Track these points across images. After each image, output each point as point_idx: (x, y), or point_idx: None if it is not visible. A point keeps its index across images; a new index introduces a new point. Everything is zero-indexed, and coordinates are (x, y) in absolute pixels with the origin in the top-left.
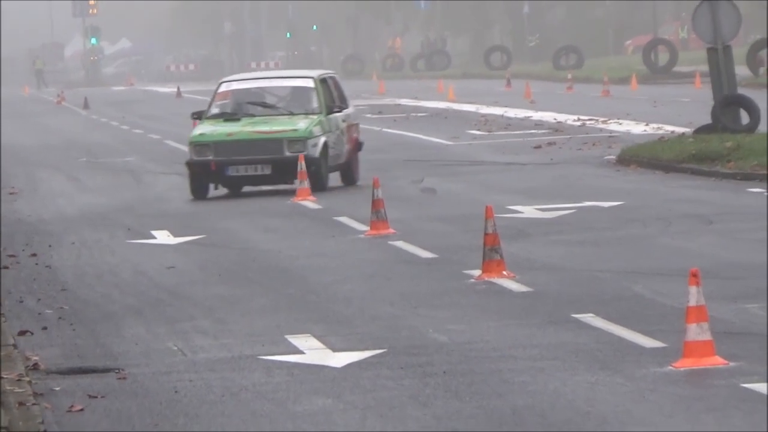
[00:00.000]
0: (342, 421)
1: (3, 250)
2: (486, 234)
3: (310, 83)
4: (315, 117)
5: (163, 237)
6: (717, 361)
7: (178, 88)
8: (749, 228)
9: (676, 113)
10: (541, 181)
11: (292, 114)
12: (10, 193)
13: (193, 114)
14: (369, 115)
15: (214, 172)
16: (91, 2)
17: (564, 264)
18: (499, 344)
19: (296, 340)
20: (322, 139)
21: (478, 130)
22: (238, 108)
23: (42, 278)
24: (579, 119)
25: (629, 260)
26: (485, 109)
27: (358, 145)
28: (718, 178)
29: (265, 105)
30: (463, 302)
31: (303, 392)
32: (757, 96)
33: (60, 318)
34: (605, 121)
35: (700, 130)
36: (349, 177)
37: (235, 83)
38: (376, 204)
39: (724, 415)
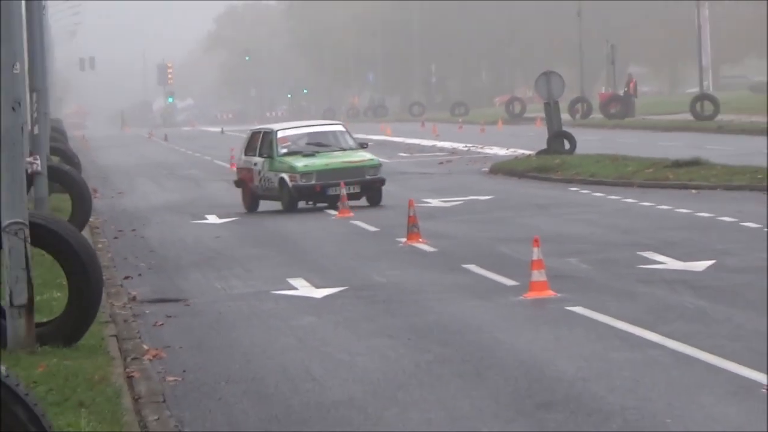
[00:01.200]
0: (321, 331)
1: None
2: (409, 216)
3: (342, 128)
4: (364, 151)
5: (212, 218)
6: (550, 293)
7: (222, 129)
8: (570, 212)
9: (525, 142)
10: (443, 184)
11: (343, 149)
12: (119, 193)
13: (263, 153)
14: None
15: (318, 193)
16: (169, 76)
17: (457, 234)
18: (418, 283)
19: (293, 281)
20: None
21: (405, 153)
22: (300, 147)
23: (138, 244)
24: (466, 146)
25: (498, 231)
26: (409, 141)
27: None
28: (551, 182)
29: (321, 144)
30: (396, 258)
31: (297, 313)
32: (574, 132)
33: (149, 268)
34: (482, 147)
35: (540, 153)
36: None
37: (289, 131)
38: (342, 198)
39: (555, 326)
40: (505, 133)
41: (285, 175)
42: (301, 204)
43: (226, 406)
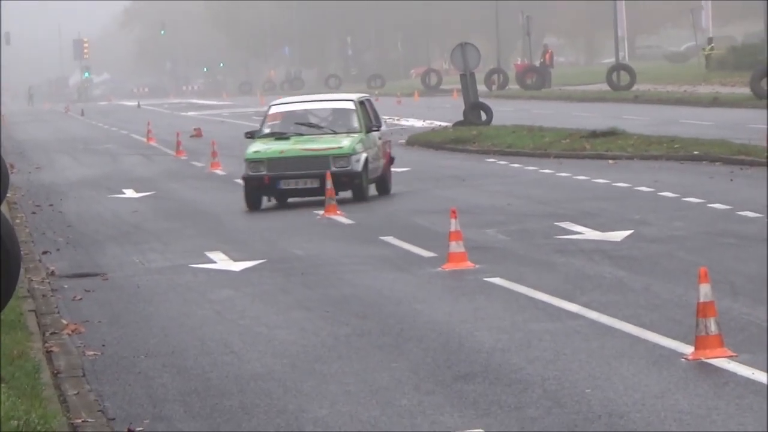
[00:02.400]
0: (239, 304)
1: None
2: (327, 189)
3: (351, 105)
4: (357, 135)
5: (130, 193)
6: (468, 264)
7: (138, 103)
8: (487, 183)
9: (442, 114)
10: None
11: (335, 133)
12: (36, 168)
13: (246, 134)
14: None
15: (267, 186)
16: (85, 50)
17: (374, 206)
18: (335, 256)
19: (211, 255)
20: (364, 155)
21: None
22: (287, 128)
23: (56, 219)
24: (385, 119)
25: (415, 204)
26: None
27: (391, 160)
28: (468, 153)
29: (311, 125)
30: (313, 231)
31: (215, 286)
32: (491, 103)
33: (67, 243)
34: (398, 119)
35: (457, 124)
36: (384, 188)
37: (284, 106)
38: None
39: (473, 298)
40: (421, 105)
41: (244, 163)
42: (266, 202)
43: (145, 379)
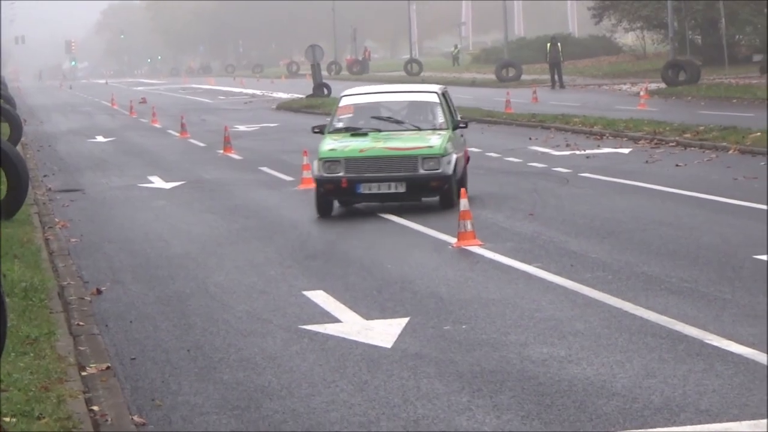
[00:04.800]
0: (169, 210)
1: (37, 144)
2: (225, 136)
3: (435, 98)
4: (444, 133)
5: (100, 138)
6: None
7: (106, 81)
8: None
9: (300, 90)
10: (247, 116)
11: (419, 129)
12: (40, 122)
13: (314, 128)
14: (181, 91)
15: (345, 190)
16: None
17: (256, 147)
18: (230, 179)
19: (151, 178)
20: (455, 156)
21: (222, 96)
22: (363, 123)
23: (53, 155)
24: (262, 92)
25: (281, 146)
26: (225, 89)
27: (468, 160)
28: (316, 115)
29: (391, 120)
30: (216, 163)
31: (154, 198)
32: (331, 83)
33: (60, 170)
34: (272, 93)
35: (308, 96)
36: (458, 191)
37: (357, 97)
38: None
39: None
40: (286, 84)
41: (315, 162)
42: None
43: (108, 257)
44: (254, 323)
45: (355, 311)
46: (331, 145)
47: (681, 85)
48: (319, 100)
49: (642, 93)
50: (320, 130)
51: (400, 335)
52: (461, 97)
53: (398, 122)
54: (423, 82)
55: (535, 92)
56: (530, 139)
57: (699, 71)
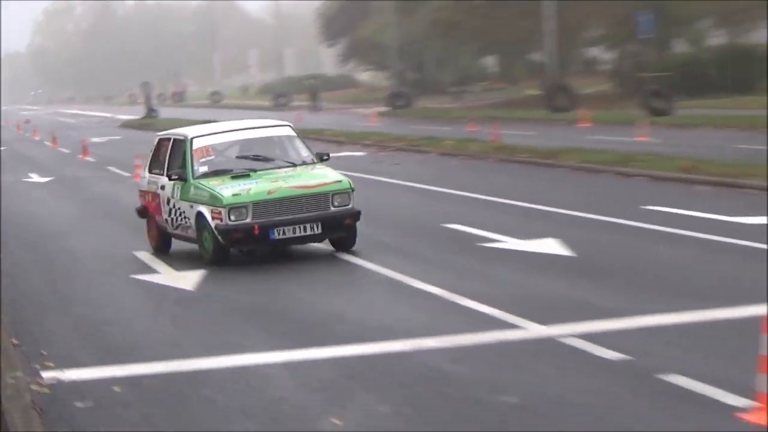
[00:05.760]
0: (46, 196)
1: None
2: (83, 146)
3: (290, 131)
4: (323, 166)
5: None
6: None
7: None
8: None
9: (137, 113)
10: (99, 131)
11: (294, 165)
12: None
13: (171, 176)
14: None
15: (257, 237)
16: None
17: (103, 153)
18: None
19: (31, 174)
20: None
21: (83, 118)
22: (232, 164)
23: None
24: (112, 115)
25: (125, 153)
26: (84, 113)
27: None
28: (149, 131)
29: (260, 158)
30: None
31: (32, 189)
32: (161, 109)
33: None
34: (117, 115)
35: (144, 117)
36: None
37: (209, 138)
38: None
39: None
40: (127, 109)
41: (204, 210)
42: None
43: None
44: (100, 274)
45: (169, 265)
46: (227, 190)
47: (399, 108)
48: (150, 120)
49: (373, 114)
50: (179, 177)
51: (202, 282)
52: (249, 115)
53: (268, 159)
54: (224, 108)
55: (299, 114)
56: None
57: (411, 99)
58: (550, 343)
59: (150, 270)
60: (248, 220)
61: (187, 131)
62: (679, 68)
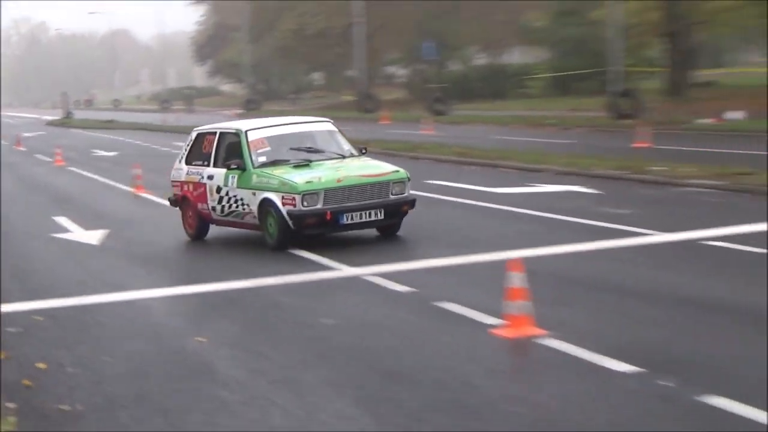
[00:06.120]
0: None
1: None
2: (17, 139)
3: (332, 126)
4: (366, 157)
5: None
6: None
7: None
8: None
9: (58, 115)
10: (30, 128)
11: (343, 157)
12: None
13: (230, 165)
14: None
15: (328, 222)
16: None
17: (32, 144)
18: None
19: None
20: None
21: (19, 119)
22: (288, 155)
23: None
24: (40, 116)
25: (48, 144)
26: (20, 114)
27: None
28: (70, 127)
29: (312, 150)
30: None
31: None
32: (76, 112)
33: None
34: (44, 116)
35: (63, 118)
36: None
37: (262, 131)
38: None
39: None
40: (53, 112)
41: (272, 196)
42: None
43: None
44: (27, 237)
45: (79, 225)
46: (299, 177)
47: (252, 110)
48: (68, 120)
49: (233, 113)
50: (238, 166)
51: (105, 238)
52: (142, 117)
53: (318, 151)
54: (123, 110)
55: (178, 115)
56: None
57: (260, 104)
58: (357, 280)
59: (65, 230)
60: (319, 206)
61: (240, 125)
62: (453, 81)
